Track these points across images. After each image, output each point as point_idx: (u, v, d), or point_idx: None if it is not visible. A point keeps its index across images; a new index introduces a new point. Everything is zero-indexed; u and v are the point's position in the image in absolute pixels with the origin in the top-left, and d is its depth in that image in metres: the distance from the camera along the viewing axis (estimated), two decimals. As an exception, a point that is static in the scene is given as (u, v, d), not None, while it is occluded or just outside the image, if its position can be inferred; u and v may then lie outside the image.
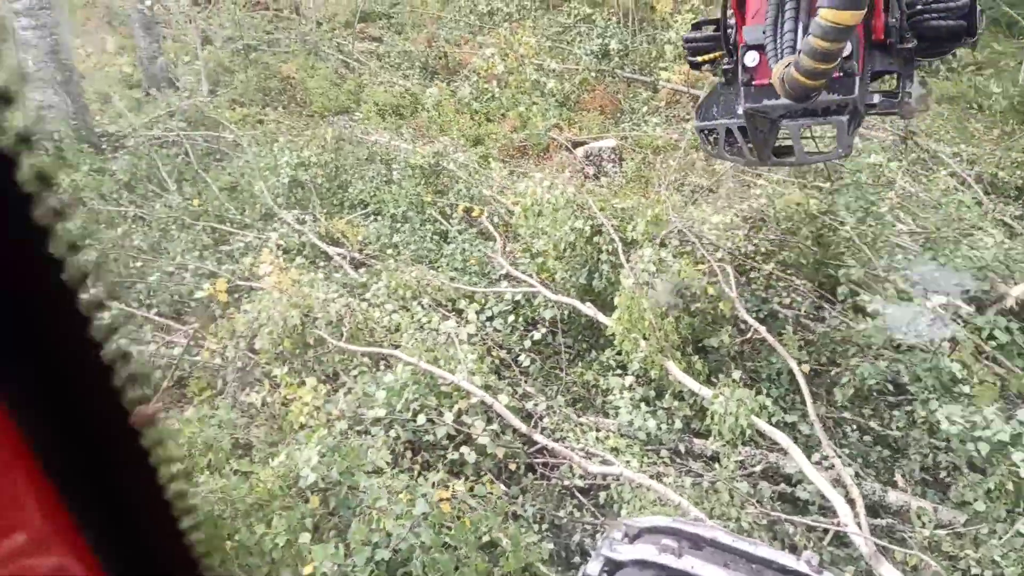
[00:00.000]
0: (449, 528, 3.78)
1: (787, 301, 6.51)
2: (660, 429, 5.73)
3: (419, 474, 4.91)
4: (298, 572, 3.72)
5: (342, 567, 3.63)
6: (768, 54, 3.36)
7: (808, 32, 2.92)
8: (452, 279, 7.37)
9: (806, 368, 5.85)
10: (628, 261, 6.00)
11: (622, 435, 5.74)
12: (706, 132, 4.14)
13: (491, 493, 4.46)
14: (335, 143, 9.62)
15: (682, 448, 5.77)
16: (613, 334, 5.98)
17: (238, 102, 11.92)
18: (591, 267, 6.45)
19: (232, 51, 13.32)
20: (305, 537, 3.74)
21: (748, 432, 5.33)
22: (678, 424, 5.80)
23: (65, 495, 0.58)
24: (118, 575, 0.64)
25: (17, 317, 0.52)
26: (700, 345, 6.17)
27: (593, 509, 5.32)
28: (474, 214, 8.61)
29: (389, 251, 8.02)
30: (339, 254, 8.13)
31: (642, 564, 3.49)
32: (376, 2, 16.20)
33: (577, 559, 4.97)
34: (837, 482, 5.23)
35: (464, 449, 5.29)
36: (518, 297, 6.81)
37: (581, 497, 5.40)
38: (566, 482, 5.36)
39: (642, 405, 5.87)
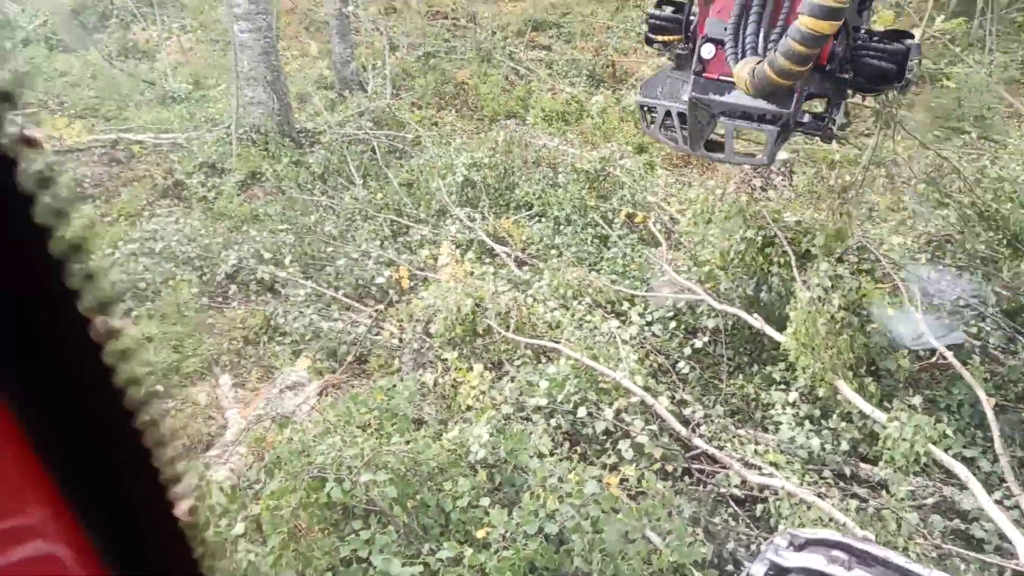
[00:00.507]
0: (616, 511, 3.95)
1: (974, 330, 6.12)
2: (824, 449, 5.59)
3: (578, 464, 5.12)
4: (472, 533, 4.04)
5: (513, 534, 3.91)
6: (727, 51, 3.50)
7: (787, 35, 3.05)
8: (613, 282, 7.53)
9: (993, 401, 5.49)
10: (802, 275, 5.90)
11: (782, 451, 5.66)
12: (646, 109, 4.27)
13: (656, 487, 4.58)
14: (505, 146, 10.07)
15: (847, 471, 5.59)
16: (779, 348, 5.90)
17: (417, 104, 12.75)
18: (759, 279, 6.39)
19: (414, 57, 14.25)
20: (485, 501, 4.07)
21: (923, 461, 5.09)
22: (844, 446, 5.63)
23: (66, 494, 0.59)
24: (119, 574, 0.64)
25: (17, 317, 0.52)
26: (874, 367, 5.94)
27: (748, 520, 5.29)
28: (636, 220, 8.73)
29: (552, 251, 8.31)
30: (504, 252, 8.53)
31: (809, 573, 3.49)
32: (547, 12, 16.68)
33: (729, 567, 4.98)
34: (1020, 523, 4.88)
35: (622, 445, 5.44)
36: (680, 304, 6.86)
37: (736, 507, 5.39)
38: (722, 490, 5.37)
39: (806, 423, 5.75)
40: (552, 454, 5.28)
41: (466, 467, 4.66)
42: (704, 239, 6.87)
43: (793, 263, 6.01)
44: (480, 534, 4.02)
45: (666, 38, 4.10)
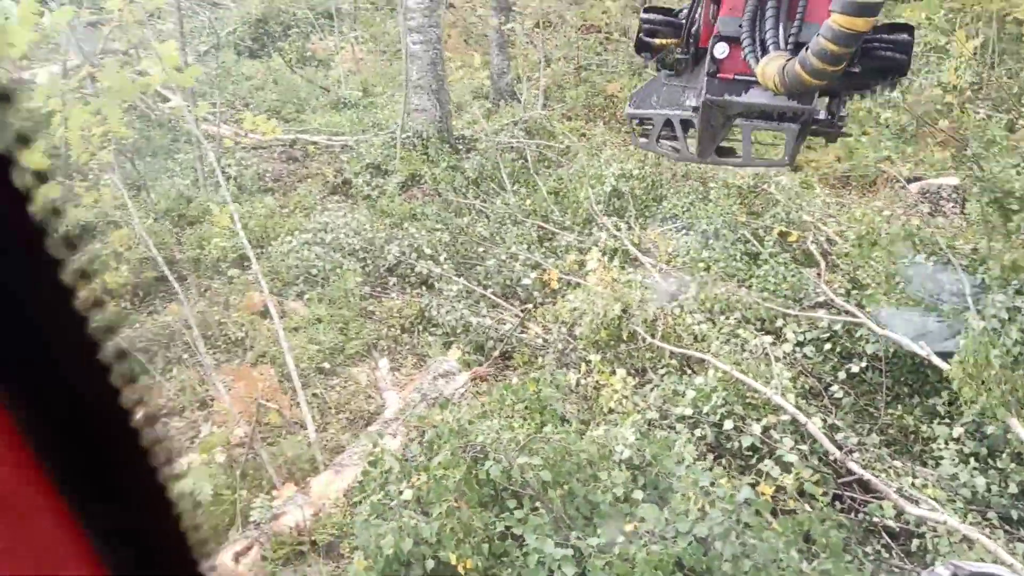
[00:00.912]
0: (769, 521, 3.96)
1: None
2: (990, 490, 5.28)
3: (723, 475, 5.13)
4: (620, 526, 4.17)
5: (662, 531, 4.01)
6: (744, 49, 3.29)
7: (819, 34, 2.83)
8: (764, 299, 7.42)
9: None
10: (976, 304, 5.60)
11: (941, 487, 5.39)
12: (637, 122, 4.06)
13: (815, 498, 4.53)
14: (657, 159, 10.14)
15: (1014, 515, 5.24)
16: (945, 378, 5.62)
17: (567, 115, 13.07)
18: (927, 306, 6.11)
19: (565, 70, 14.60)
20: (639, 495, 4.21)
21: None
22: (1013, 488, 5.28)
23: (65, 495, 0.58)
24: (118, 574, 0.64)
25: (15, 316, 0.52)
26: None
27: (902, 554, 5.08)
28: (790, 239, 8.53)
29: (700, 264, 8.29)
30: (649, 263, 8.60)
31: (975, 606, 3.36)
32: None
33: (879, 599, 4.82)
34: None
35: (768, 463, 5.38)
36: (836, 327, 6.66)
37: (889, 539, 5.19)
38: (875, 519, 5.19)
39: (971, 460, 5.44)
40: (695, 463, 5.32)
41: (613, 464, 4.80)
42: (867, 262, 6.65)
43: (967, 291, 5.72)
44: (628, 528, 4.15)
45: (663, 42, 3.90)
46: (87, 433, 0.59)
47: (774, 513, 4.61)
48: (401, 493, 4.54)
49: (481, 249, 9.19)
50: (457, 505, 4.18)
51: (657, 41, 3.96)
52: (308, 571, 4.90)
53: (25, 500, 0.57)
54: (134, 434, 0.61)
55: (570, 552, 3.97)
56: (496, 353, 7.55)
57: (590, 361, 6.69)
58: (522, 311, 8.02)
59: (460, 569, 3.98)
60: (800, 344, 6.72)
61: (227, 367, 7.15)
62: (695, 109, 3.60)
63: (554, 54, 15.16)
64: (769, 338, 6.42)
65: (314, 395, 7.03)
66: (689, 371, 6.59)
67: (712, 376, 6.03)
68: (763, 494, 4.23)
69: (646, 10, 4.06)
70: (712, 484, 4.21)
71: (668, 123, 3.94)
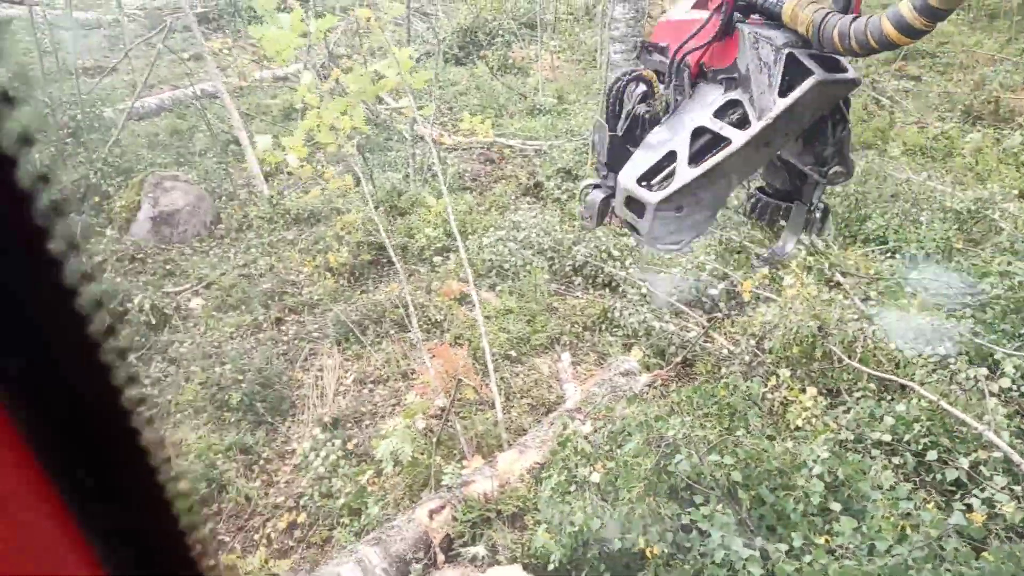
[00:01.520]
0: (981, 549, 3.76)
1: None
2: None
3: (928, 502, 4.88)
4: (810, 537, 4.13)
5: (857, 548, 3.93)
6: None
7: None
8: (976, 333, 6.87)
9: None
10: None
11: None
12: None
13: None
14: (862, 177, 9.66)
15: None
16: None
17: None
18: None
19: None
20: (836, 506, 4.16)
21: None
22: None
23: (65, 495, 0.59)
24: (118, 574, 0.64)
25: (16, 316, 0.52)
26: None
27: None
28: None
29: (907, 289, 7.82)
30: (849, 284, 8.23)
31: None
32: (923, 40, 15.41)
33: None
34: None
35: (974, 501, 5.03)
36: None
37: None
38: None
39: None
40: (892, 490, 5.09)
41: (805, 476, 4.74)
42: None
43: None
44: (820, 540, 4.11)
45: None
46: (87, 433, 0.58)
47: (984, 543, 4.33)
48: (589, 475, 4.78)
49: (668, 256, 9.24)
50: (646, 492, 4.35)
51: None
52: (495, 535, 5.28)
53: (25, 500, 0.56)
54: (134, 434, 0.61)
55: (757, 553, 4.01)
56: (678, 359, 7.60)
57: (779, 376, 6.57)
58: (708, 320, 8.00)
59: (648, 554, 4.14)
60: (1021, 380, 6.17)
61: (427, 345, 7.79)
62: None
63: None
64: (984, 371, 5.96)
65: (501, 379, 7.48)
66: (889, 397, 6.27)
67: (915, 404, 5.72)
68: (975, 522, 4.00)
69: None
70: (916, 508, 4.05)
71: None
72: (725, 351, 7.54)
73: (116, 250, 9.28)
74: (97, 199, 10.09)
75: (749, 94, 2.75)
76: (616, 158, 3.21)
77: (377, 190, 10.77)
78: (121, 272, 8.95)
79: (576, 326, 8.45)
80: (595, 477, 4.63)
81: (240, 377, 7.25)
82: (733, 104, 2.85)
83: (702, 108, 2.93)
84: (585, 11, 17.91)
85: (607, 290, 8.99)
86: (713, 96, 2.93)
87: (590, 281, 9.18)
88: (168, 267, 9.33)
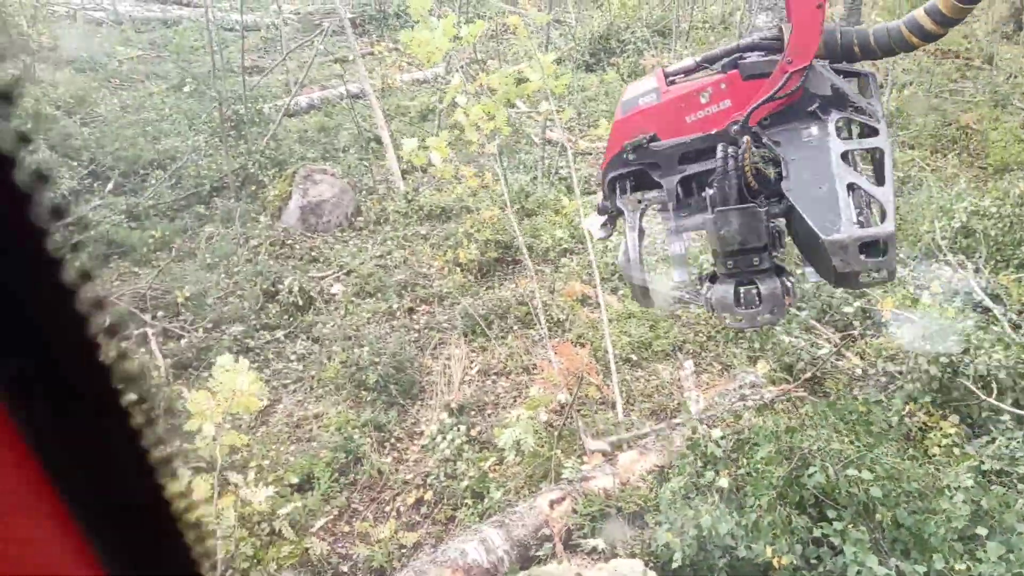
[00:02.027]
0: None
1: None
2: None
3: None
4: (950, 562, 4.00)
5: (1003, 578, 3.78)
6: None
7: None
8: None
9: None
10: None
11: None
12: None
13: None
14: (1018, 199, 9.05)
15: None
16: None
17: (910, 144, 12.13)
18: None
19: (914, 96, 13.54)
20: (983, 531, 4.00)
21: None
22: None
23: (64, 494, 0.59)
24: (118, 574, 0.64)
25: (16, 316, 0.52)
26: None
27: None
28: None
29: (1067, 321, 7.29)
30: (999, 310, 7.75)
31: None
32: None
33: None
34: None
35: None
36: None
37: None
38: None
39: None
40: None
41: (946, 502, 4.57)
42: None
43: None
44: (960, 567, 3.97)
45: None
46: (87, 433, 0.59)
47: None
48: (716, 480, 4.81)
49: (800, 272, 9.00)
50: (776, 502, 4.35)
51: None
52: (614, 530, 5.40)
53: (25, 500, 0.56)
54: (134, 434, 0.61)
55: (893, 573, 3.93)
56: (807, 375, 7.42)
57: (916, 400, 6.31)
58: (841, 338, 7.76)
59: (775, 564, 4.14)
60: None
61: (550, 342, 8.01)
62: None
63: (902, 79, 14.13)
64: None
65: (623, 381, 7.57)
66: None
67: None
68: None
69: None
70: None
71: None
72: (859, 371, 7.29)
73: (269, 235, 10.08)
74: (254, 188, 10.99)
75: (851, 105, 3.03)
76: (757, 232, 3.26)
77: (507, 190, 11.11)
78: (273, 256, 9.72)
79: (700, 335, 8.41)
80: (723, 483, 4.66)
81: (376, 360, 7.73)
82: (846, 123, 3.09)
83: (822, 140, 3.10)
84: (721, 20, 17.64)
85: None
86: (811, 129, 3.12)
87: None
88: (313, 254, 10.03)
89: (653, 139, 3.38)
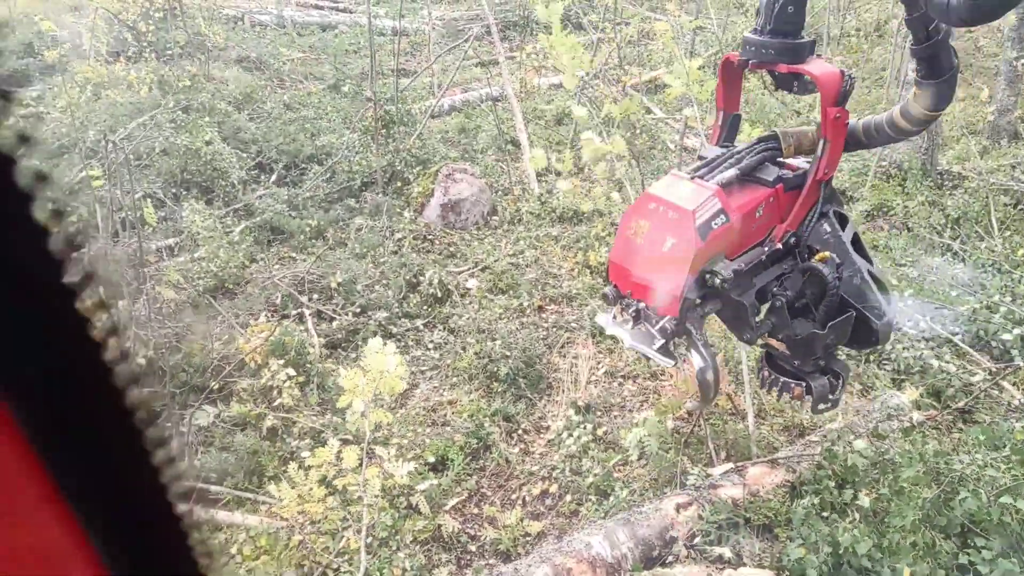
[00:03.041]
0: None
1: None
2: None
3: None
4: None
5: None
6: None
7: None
8: None
9: None
10: None
11: None
12: None
13: None
14: None
15: None
16: None
17: None
18: None
19: None
20: None
21: None
22: None
23: (67, 496, 0.58)
24: (119, 574, 0.64)
25: (17, 318, 0.52)
26: None
27: None
28: None
29: None
30: None
31: None
32: None
33: None
34: None
35: None
36: None
37: None
38: None
39: None
40: None
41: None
42: None
43: None
44: None
45: None
46: (87, 433, 0.58)
47: None
48: (855, 498, 4.70)
49: (954, 294, 8.51)
50: (921, 524, 4.21)
51: None
52: (742, 540, 5.37)
53: (26, 500, 0.56)
54: (135, 434, 0.60)
55: (1050, 612, 3.72)
56: (960, 404, 7.01)
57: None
58: (998, 367, 7.28)
59: (915, 585, 4.02)
60: None
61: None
62: None
63: None
64: None
65: (755, 392, 7.46)
66: None
67: None
68: None
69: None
70: None
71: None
72: (1016, 401, 6.82)
73: (412, 229, 10.66)
74: (399, 184, 11.65)
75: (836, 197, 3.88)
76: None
77: (635, 197, 11.15)
78: (415, 249, 10.28)
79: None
80: (864, 501, 4.56)
81: (507, 353, 8.02)
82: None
83: (835, 235, 3.76)
84: (875, 27, 16.78)
85: (876, 320, 8.50)
86: (824, 226, 3.77)
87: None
88: (451, 249, 10.51)
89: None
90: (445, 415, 7.57)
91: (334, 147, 12.51)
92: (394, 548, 5.88)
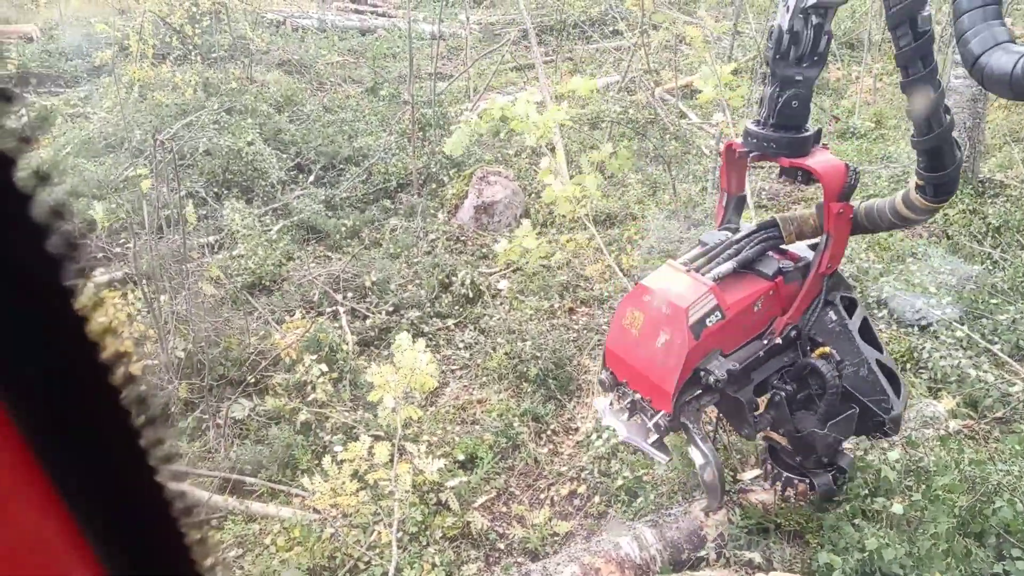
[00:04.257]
0: None
1: None
2: None
3: None
4: None
5: None
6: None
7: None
8: None
9: None
10: None
11: None
12: None
13: None
14: None
15: None
16: None
17: None
18: None
19: None
20: None
21: None
22: None
23: (65, 496, 0.58)
24: (118, 574, 0.64)
25: (16, 318, 0.52)
26: None
27: None
28: None
29: None
30: None
31: None
32: None
33: None
34: None
35: None
36: None
37: None
38: None
39: None
40: None
41: None
42: None
43: None
44: None
45: None
46: (85, 433, 0.58)
47: None
48: (888, 505, 4.66)
49: (994, 302, 8.35)
50: (954, 532, 4.17)
51: None
52: (772, 547, 5.35)
53: (25, 500, 0.56)
54: (134, 434, 0.61)
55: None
56: (999, 415, 6.88)
57: None
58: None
59: (947, 595, 3.98)
60: None
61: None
62: None
63: None
64: None
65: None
66: None
67: None
68: None
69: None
70: None
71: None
72: (1058, 414, 6.66)
73: (446, 231, 10.79)
74: (434, 186, 11.79)
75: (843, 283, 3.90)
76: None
77: (672, 200, 11.14)
78: (448, 250, 10.39)
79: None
80: (897, 508, 4.51)
81: (538, 354, 8.07)
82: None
83: (841, 323, 3.75)
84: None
85: (915, 328, 8.37)
86: (829, 315, 3.73)
87: (893, 316, 8.61)
88: (483, 250, 10.61)
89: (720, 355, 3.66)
90: (475, 414, 7.64)
91: (371, 149, 12.70)
92: (424, 543, 5.97)
